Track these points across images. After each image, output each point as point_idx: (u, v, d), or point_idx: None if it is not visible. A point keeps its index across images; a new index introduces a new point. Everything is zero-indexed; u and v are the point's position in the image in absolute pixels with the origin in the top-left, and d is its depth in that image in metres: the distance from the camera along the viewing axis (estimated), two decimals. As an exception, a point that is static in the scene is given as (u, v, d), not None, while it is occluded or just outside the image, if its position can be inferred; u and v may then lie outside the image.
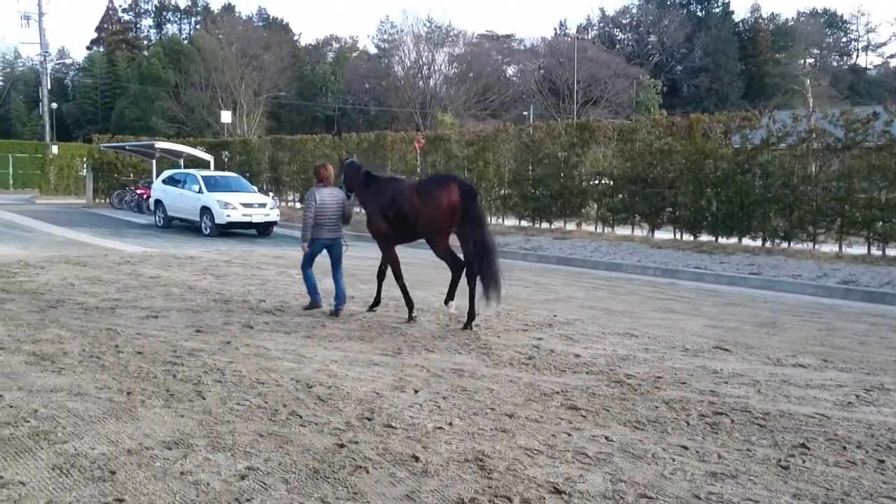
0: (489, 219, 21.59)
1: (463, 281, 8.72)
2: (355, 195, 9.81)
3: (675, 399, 5.98)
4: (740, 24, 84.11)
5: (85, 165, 36.69)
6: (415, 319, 8.98)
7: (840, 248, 15.18)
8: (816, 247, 15.42)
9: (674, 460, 4.68)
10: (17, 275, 11.84)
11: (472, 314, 8.62)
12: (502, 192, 21.64)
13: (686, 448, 4.90)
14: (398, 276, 9.15)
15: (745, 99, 65.50)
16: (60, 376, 6.12)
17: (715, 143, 16.87)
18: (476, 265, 8.45)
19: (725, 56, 74.66)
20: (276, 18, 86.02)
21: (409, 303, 9.11)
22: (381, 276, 9.48)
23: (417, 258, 15.85)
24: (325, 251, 9.40)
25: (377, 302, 9.59)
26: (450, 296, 9.02)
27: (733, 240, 16.56)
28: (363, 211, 10.02)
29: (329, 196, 9.26)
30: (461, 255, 8.81)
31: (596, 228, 19.28)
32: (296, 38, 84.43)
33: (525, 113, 62.76)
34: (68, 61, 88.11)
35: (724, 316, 10.17)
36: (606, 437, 5.05)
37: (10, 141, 51.57)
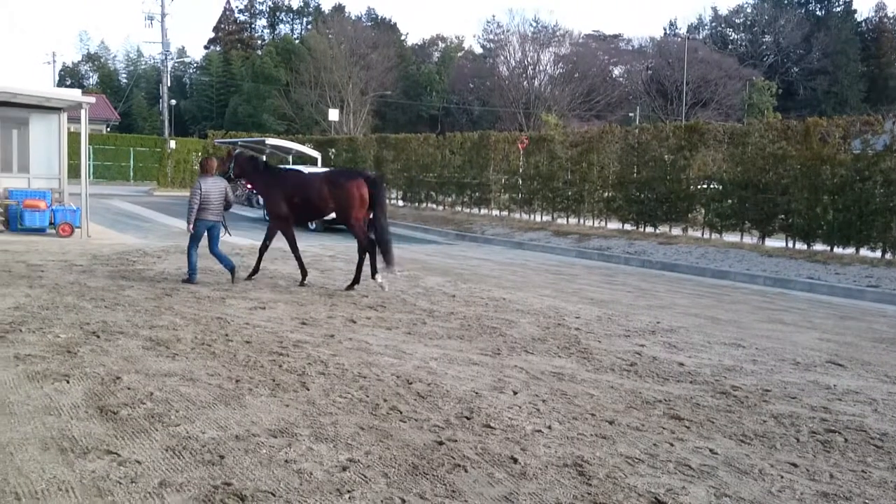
0: (591, 221, 21.44)
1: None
2: (247, 180, 11.74)
3: (785, 414, 5.76)
4: (863, 24, 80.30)
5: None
6: (306, 285, 10.78)
7: (969, 261, 14.28)
8: (942, 260, 14.54)
9: (782, 477, 4.51)
10: (135, 263, 12.44)
11: (356, 278, 10.69)
12: (606, 194, 21.30)
13: (795, 465, 4.71)
14: (293, 247, 11.05)
15: (867, 102, 62.57)
16: (174, 361, 6.40)
17: (833, 148, 16.11)
18: (376, 242, 10.32)
19: (846, 57, 71.42)
20: (385, 18, 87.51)
21: (301, 267, 10.98)
22: (263, 250, 11.17)
23: (523, 259, 15.79)
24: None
25: (255, 271, 11.14)
26: (373, 270, 10.68)
27: (850, 250, 15.78)
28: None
29: (213, 185, 10.62)
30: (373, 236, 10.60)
31: (703, 234, 18.74)
32: (403, 37, 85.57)
33: (631, 114, 61.75)
34: (187, 60, 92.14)
35: (838, 329, 9.73)
36: (710, 450, 4.91)
37: (132, 135, 54.07)
